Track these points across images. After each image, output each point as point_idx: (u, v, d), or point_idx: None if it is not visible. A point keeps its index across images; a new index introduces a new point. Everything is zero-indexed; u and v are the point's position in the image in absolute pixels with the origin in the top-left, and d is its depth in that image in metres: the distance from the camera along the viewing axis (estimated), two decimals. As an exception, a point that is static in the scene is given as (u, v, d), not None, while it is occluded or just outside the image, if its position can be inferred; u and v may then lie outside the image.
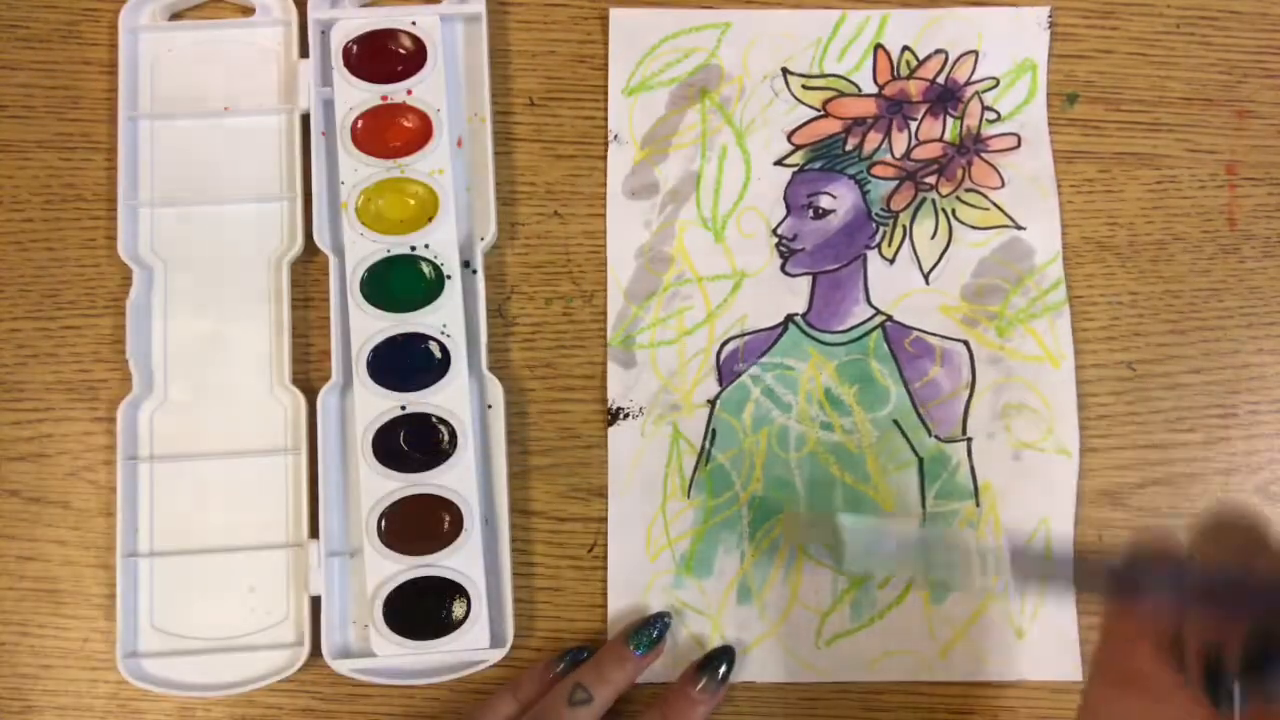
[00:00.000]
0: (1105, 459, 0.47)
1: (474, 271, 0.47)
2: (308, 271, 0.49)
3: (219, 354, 0.47)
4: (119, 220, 0.47)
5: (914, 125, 0.49)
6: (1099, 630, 0.35)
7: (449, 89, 0.48)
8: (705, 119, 0.49)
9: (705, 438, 0.47)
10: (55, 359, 0.48)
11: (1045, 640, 0.46)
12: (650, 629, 0.45)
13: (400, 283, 0.46)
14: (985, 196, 0.48)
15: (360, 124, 0.47)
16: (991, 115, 0.49)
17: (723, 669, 0.44)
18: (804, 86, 0.49)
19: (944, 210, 0.48)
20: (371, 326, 0.46)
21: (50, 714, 0.46)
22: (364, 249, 0.46)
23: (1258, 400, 0.47)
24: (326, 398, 0.46)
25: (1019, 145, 0.49)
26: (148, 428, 0.47)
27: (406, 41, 0.48)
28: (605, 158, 0.49)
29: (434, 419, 0.46)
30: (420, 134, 0.47)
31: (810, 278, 0.48)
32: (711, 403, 0.47)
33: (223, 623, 0.46)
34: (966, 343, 0.47)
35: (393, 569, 0.45)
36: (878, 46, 0.49)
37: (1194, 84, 0.49)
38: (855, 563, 0.42)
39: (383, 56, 0.48)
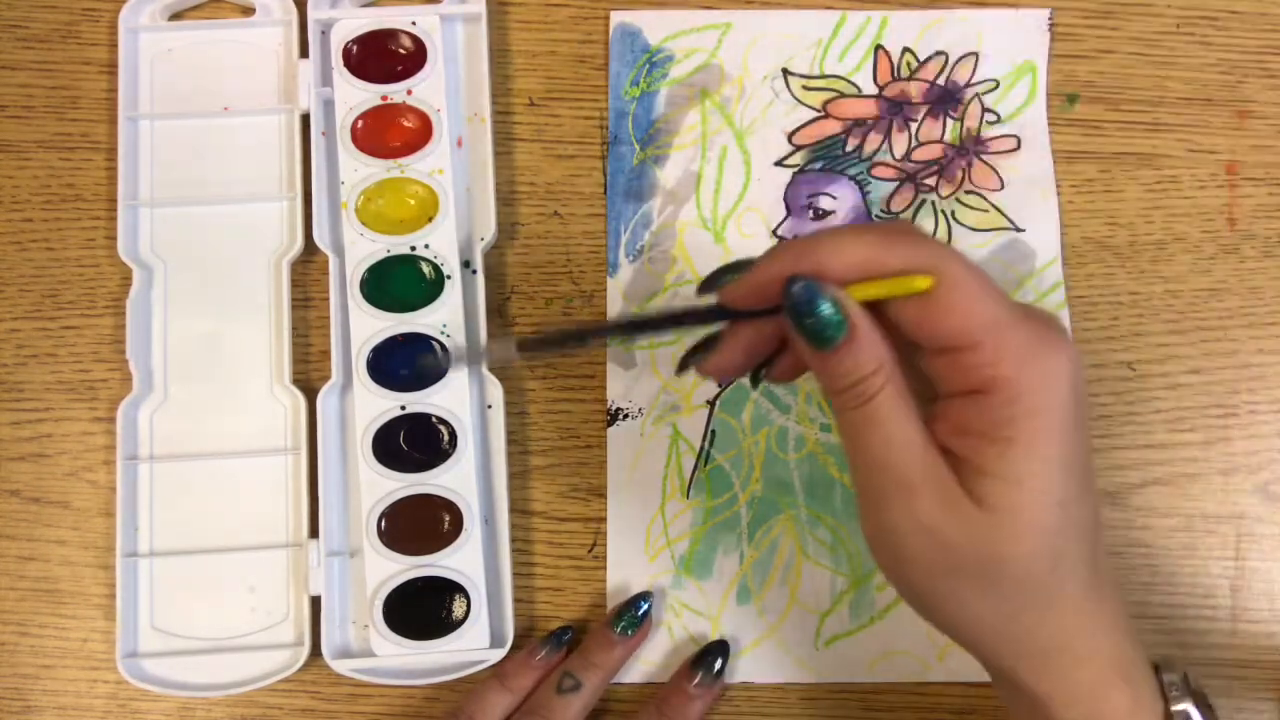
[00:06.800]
0: (1105, 459, 0.47)
1: (474, 271, 0.47)
2: (308, 271, 0.49)
3: (219, 354, 0.47)
4: (119, 220, 0.47)
5: (914, 127, 0.49)
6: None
7: (449, 89, 0.48)
8: (705, 119, 0.49)
9: (704, 438, 0.47)
10: (55, 359, 0.48)
11: (1044, 641, 0.46)
12: (633, 609, 0.45)
13: (400, 283, 0.46)
14: (985, 198, 0.48)
15: (360, 124, 0.47)
16: (991, 117, 0.49)
17: (718, 663, 0.44)
18: (804, 87, 0.49)
19: (944, 212, 0.48)
20: (371, 326, 0.46)
21: (50, 714, 0.46)
22: (364, 249, 0.46)
23: (1258, 400, 0.47)
24: (326, 398, 0.46)
25: (1019, 147, 0.49)
26: (148, 428, 0.47)
27: (406, 41, 0.48)
28: (605, 158, 0.49)
29: (434, 419, 0.46)
30: (420, 134, 0.47)
31: (810, 278, 0.48)
32: (711, 403, 0.47)
33: (223, 623, 0.46)
34: (966, 343, 0.47)
35: (392, 569, 0.45)
36: (878, 48, 0.49)
37: (1194, 84, 0.49)
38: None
39: (383, 56, 0.48)
